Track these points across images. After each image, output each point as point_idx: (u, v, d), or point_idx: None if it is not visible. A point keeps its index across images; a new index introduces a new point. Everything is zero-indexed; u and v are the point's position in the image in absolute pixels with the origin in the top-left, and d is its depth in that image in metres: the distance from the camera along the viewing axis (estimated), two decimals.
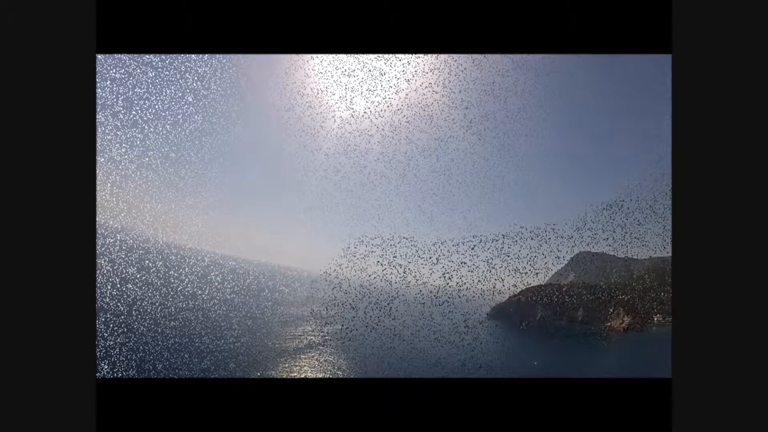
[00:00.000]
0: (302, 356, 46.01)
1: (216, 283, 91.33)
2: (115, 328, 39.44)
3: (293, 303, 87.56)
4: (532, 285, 72.34)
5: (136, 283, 63.58)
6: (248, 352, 43.28)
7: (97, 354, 32.75)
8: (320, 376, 41.21)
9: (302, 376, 40.37)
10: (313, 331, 58.40)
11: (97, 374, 28.94)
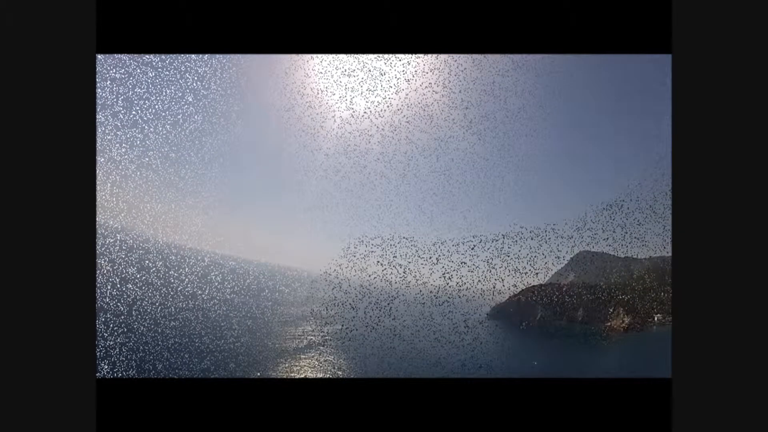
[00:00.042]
0: (302, 356, 46.02)
1: (216, 283, 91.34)
2: (115, 328, 39.44)
3: (293, 303, 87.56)
4: (532, 285, 72.48)
5: (136, 283, 63.59)
6: (248, 352, 43.29)
7: (97, 354, 32.75)
8: (320, 376, 41.21)
9: (302, 376, 40.36)
10: (313, 331, 58.40)
11: (97, 374, 28.94)
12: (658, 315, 65.41)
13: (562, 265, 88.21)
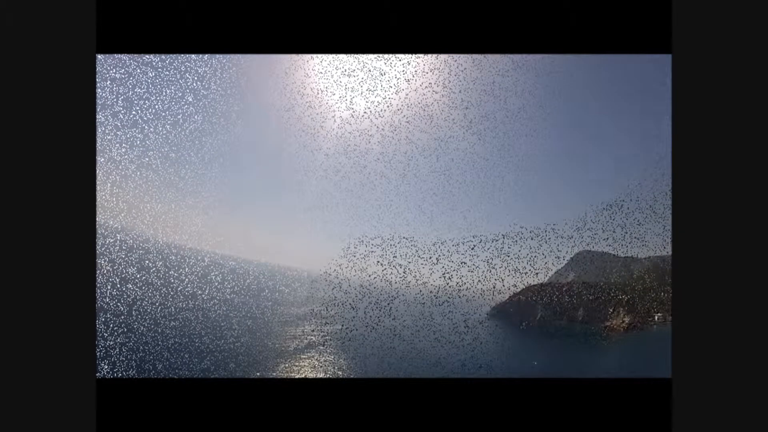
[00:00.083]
0: (302, 356, 46.02)
1: (216, 283, 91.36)
2: (115, 328, 39.45)
3: (293, 303, 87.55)
4: (532, 285, 72.50)
5: (136, 283, 63.62)
6: (248, 352, 43.30)
7: (97, 354, 32.75)
8: (320, 376, 41.21)
9: (302, 376, 40.37)
10: (313, 331, 58.38)
11: (97, 374, 28.95)
12: (659, 314, 65.42)
13: (562, 265, 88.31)
